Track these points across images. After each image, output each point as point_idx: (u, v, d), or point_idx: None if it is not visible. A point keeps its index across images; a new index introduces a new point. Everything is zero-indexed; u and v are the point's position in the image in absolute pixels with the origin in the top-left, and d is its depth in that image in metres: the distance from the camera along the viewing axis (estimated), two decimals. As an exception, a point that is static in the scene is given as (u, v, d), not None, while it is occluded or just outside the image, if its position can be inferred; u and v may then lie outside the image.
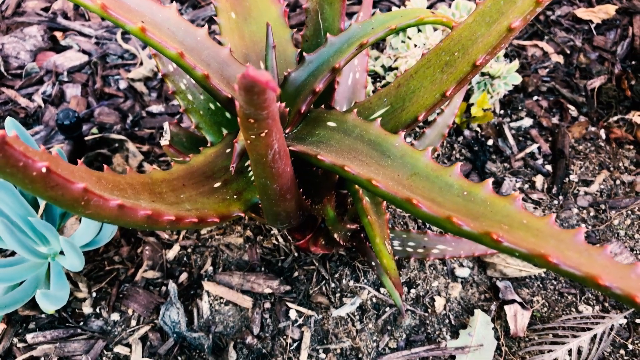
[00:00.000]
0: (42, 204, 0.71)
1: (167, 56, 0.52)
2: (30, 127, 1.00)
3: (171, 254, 0.83)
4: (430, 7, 1.22)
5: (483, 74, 0.93)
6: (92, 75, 1.09)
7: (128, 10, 0.53)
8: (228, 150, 0.64)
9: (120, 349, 0.74)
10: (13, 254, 0.81)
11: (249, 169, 0.62)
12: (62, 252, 0.73)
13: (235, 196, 0.60)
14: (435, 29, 0.94)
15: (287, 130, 0.62)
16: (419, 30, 0.95)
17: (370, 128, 0.56)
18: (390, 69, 0.96)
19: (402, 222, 0.87)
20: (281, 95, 0.61)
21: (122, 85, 1.07)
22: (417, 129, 0.98)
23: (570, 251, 0.44)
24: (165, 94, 1.06)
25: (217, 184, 0.60)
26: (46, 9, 1.21)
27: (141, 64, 1.10)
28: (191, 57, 0.55)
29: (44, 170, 0.38)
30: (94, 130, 0.99)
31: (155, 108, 1.04)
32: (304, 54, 0.61)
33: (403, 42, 0.94)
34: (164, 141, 0.67)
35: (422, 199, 0.48)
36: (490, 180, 0.48)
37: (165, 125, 0.70)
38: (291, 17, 1.21)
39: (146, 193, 0.53)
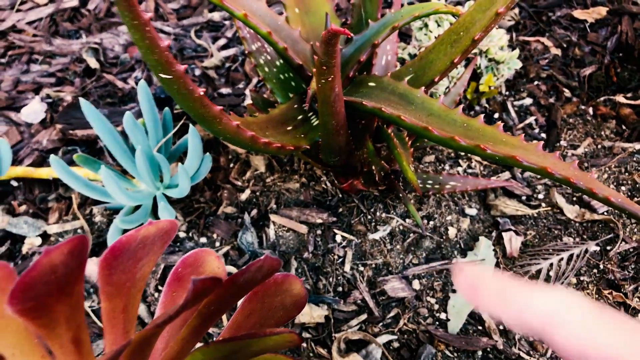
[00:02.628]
0: (155, 148, 0.95)
1: (260, 34, 0.77)
2: (126, 104, 1.26)
3: (244, 196, 1.07)
4: (449, 9, 1.46)
5: (490, 60, 1.16)
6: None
7: (234, 1, 0.78)
8: (295, 106, 0.88)
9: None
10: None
11: (311, 118, 0.86)
12: (167, 187, 0.98)
13: (302, 135, 0.84)
14: (451, 24, 1.18)
15: (347, 97, 0.85)
16: (439, 26, 1.18)
17: (400, 85, 0.80)
18: (416, 56, 1.20)
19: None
20: (335, 65, 0.85)
21: (197, 72, 1.33)
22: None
23: (532, 155, 0.67)
24: (231, 80, 1.31)
25: (289, 128, 0.84)
26: (132, 12, 1.47)
27: (212, 55, 1.36)
28: (275, 36, 0.79)
29: (201, 94, 0.62)
30: (177, 106, 1.25)
31: (224, 90, 1.29)
32: (352, 35, 0.84)
33: (425, 34, 1.18)
34: (248, 100, 0.92)
35: (435, 127, 0.71)
36: (482, 116, 0.71)
37: (247, 91, 0.95)
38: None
39: (244, 127, 0.77)
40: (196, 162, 0.92)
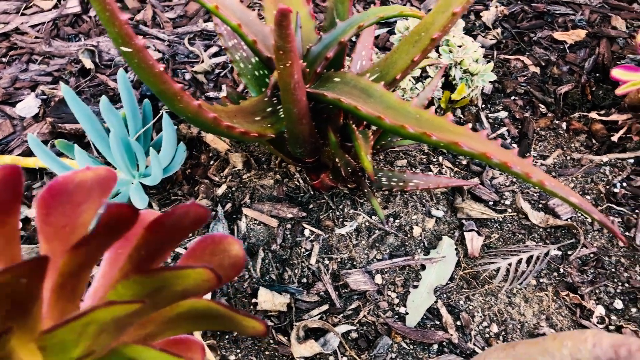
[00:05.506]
0: (134, 137, 1.00)
1: (230, 25, 0.81)
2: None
3: (220, 191, 1.11)
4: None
5: (465, 72, 1.20)
6: (164, 69, 1.40)
7: (208, -4, 0.83)
8: (266, 99, 0.92)
9: (179, 250, 1.02)
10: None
11: (279, 110, 0.90)
12: (143, 176, 1.02)
13: (269, 125, 0.88)
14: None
15: (307, 85, 0.90)
16: (417, 37, 1.23)
17: (361, 80, 0.84)
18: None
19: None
20: (305, 61, 0.90)
21: (187, 76, 1.38)
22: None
23: (475, 142, 0.70)
24: (219, 85, 1.36)
25: (257, 118, 0.88)
26: (131, 19, 1.54)
27: (202, 61, 1.41)
28: (245, 29, 0.84)
29: (162, 69, 0.67)
30: (165, 107, 1.30)
31: (212, 94, 1.34)
32: (321, 34, 0.89)
33: (404, 45, 1.23)
34: (223, 94, 0.97)
35: (389, 117, 0.75)
36: (433, 108, 0.75)
37: (224, 87, 1.00)
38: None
39: (211, 113, 0.81)
40: (170, 151, 0.96)
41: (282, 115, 0.90)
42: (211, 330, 0.75)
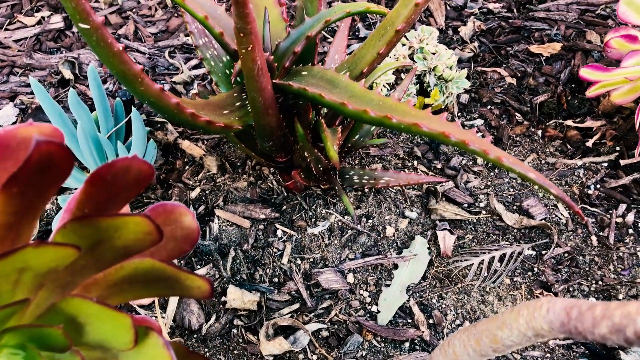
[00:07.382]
0: (106, 135, 1.00)
1: (196, 17, 0.82)
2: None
3: (193, 194, 1.11)
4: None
5: (439, 78, 1.21)
6: (144, 80, 1.41)
7: (176, -11, 0.84)
8: (235, 95, 0.93)
9: (149, 251, 1.01)
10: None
11: (247, 105, 0.91)
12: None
13: (237, 118, 0.88)
14: (403, 45, 1.25)
15: (276, 80, 0.90)
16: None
17: (328, 72, 0.85)
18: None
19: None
20: (274, 56, 0.90)
21: (167, 87, 1.39)
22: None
23: (434, 124, 0.70)
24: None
25: (225, 112, 0.89)
26: (113, 33, 1.56)
27: (182, 72, 1.42)
28: (213, 21, 0.85)
29: (120, 48, 0.67)
30: (143, 115, 1.30)
31: (190, 104, 1.34)
32: (290, 30, 0.90)
33: (379, 53, 1.24)
34: (193, 91, 0.97)
35: (351, 103, 0.75)
36: (397, 94, 0.75)
37: (195, 85, 1.00)
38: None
39: (174, 99, 0.82)
40: (141, 146, 0.96)
41: (250, 109, 0.90)
42: (159, 296, 0.73)
